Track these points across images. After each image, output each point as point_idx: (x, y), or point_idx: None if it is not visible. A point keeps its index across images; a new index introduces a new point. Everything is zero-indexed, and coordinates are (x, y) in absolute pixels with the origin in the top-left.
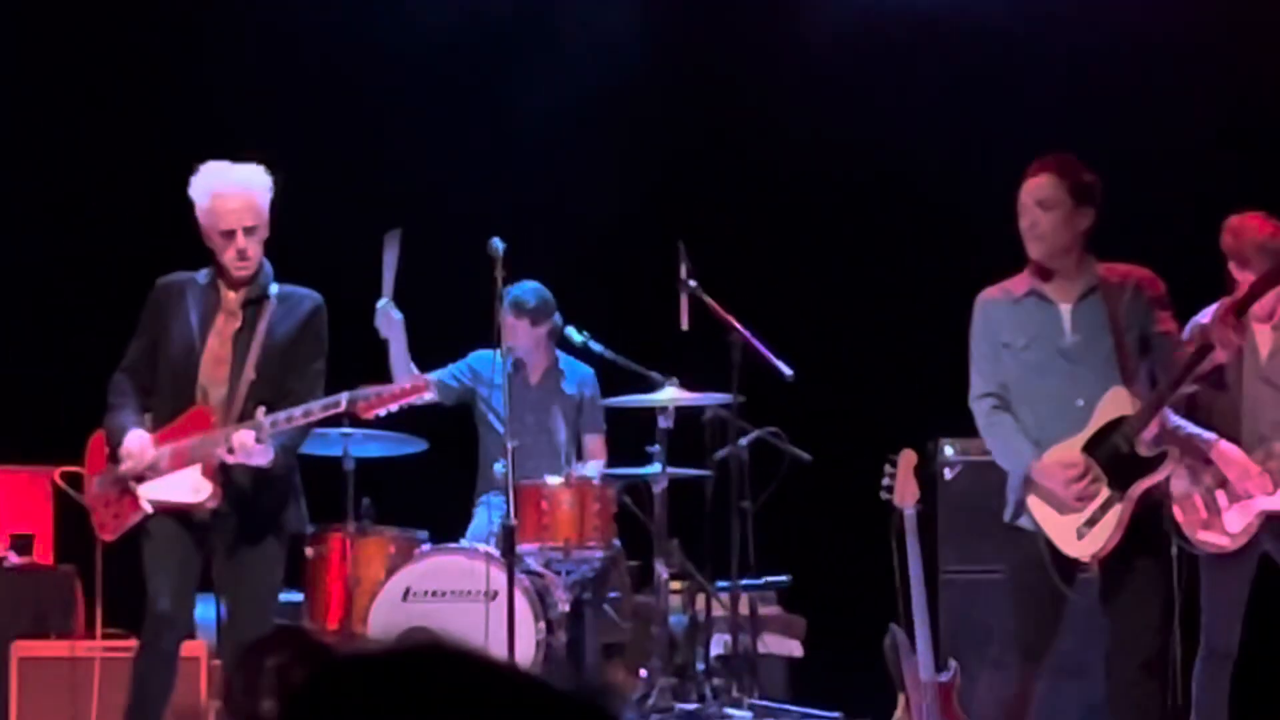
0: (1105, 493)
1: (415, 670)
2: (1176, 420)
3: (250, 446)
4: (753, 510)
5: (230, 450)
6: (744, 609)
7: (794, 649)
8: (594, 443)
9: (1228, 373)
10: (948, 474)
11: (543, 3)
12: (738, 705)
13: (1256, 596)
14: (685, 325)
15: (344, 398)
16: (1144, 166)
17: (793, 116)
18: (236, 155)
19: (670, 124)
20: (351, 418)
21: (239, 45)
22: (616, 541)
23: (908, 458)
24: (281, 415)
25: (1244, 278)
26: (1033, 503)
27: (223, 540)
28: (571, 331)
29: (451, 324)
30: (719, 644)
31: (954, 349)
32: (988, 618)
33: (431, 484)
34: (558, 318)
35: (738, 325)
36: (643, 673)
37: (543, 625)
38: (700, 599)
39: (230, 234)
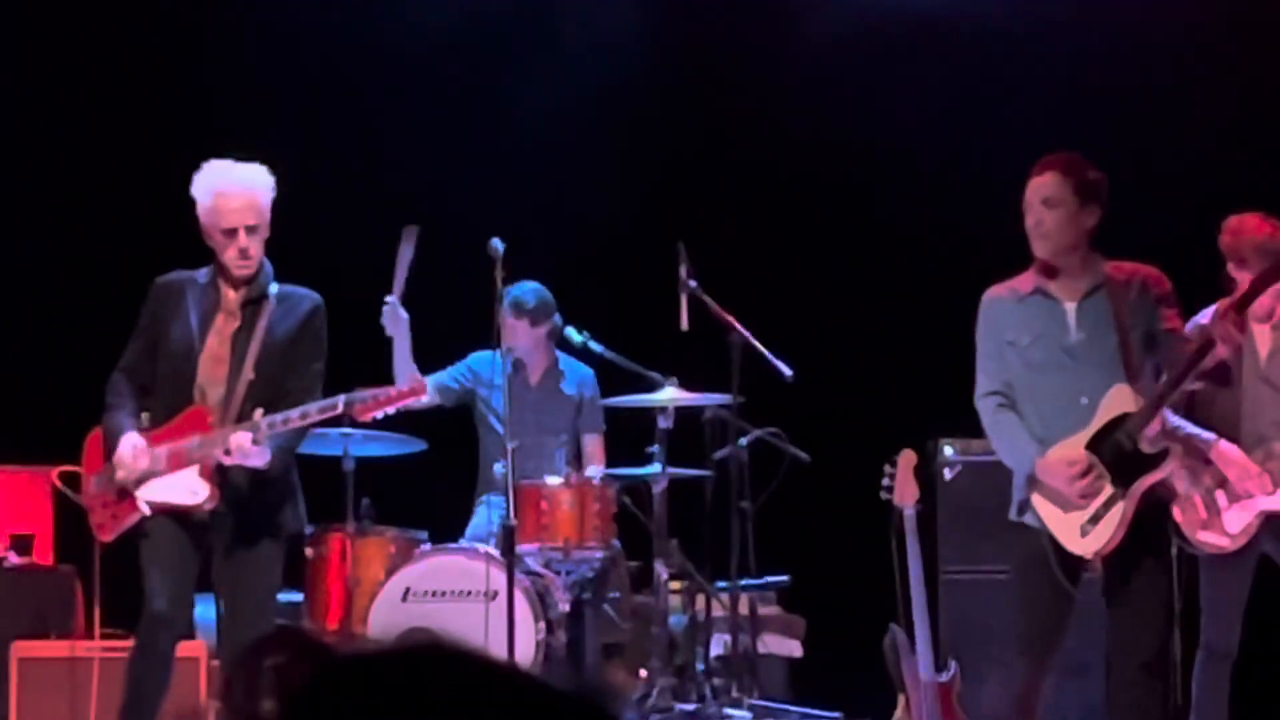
0: (1109, 490)
1: (415, 670)
2: (1176, 420)
3: (247, 448)
4: (752, 510)
5: (227, 452)
6: (744, 609)
7: (794, 649)
8: (593, 443)
9: (1230, 370)
10: (948, 474)
11: (543, 3)
12: (738, 705)
13: (1256, 596)
14: (685, 325)
15: (341, 400)
16: (1144, 166)
17: (793, 117)
18: (236, 155)
19: (670, 124)
20: (350, 419)
21: (239, 45)
22: (616, 542)
23: (908, 458)
24: (279, 417)
25: (1242, 278)
26: (1037, 500)
27: (221, 541)
28: (571, 332)
29: (451, 324)
30: (719, 644)
31: (954, 349)
32: (988, 618)
33: (431, 484)
34: (557, 318)
35: (738, 325)
36: (643, 673)
37: (543, 625)
38: (700, 599)
39: (232, 233)
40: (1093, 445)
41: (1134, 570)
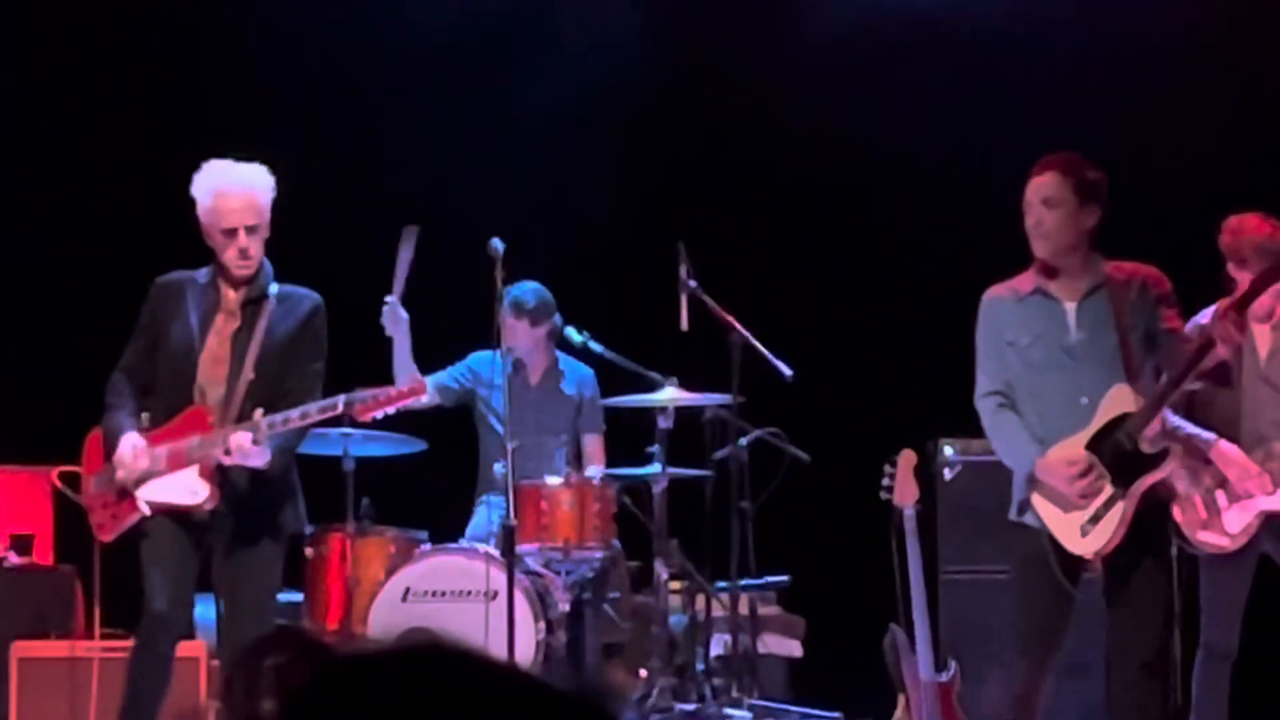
0: (1109, 490)
1: (415, 670)
2: (1176, 420)
3: (247, 448)
4: (752, 510)
5: (227, 452)
6: (744, 609)
7: (794, 649)
8: (593, 443)
9: (1230, 370)
10: (948, 474)
11: (543, 3)
12: (738, 705)
13: (1256, 596)
14: (685, 325)
15: (341, 400)
16: (1144, 166)
17: (793, 117)
18: (236, 155)
19: (670, 124)
20: (350, 419)
21: (239, 45)
22: (616, 542)
23: (908, 458)
24: (279, 417)
25: (1242, 277)
26: (1037, 500)
27: (221, 541)
28: (571, 332)
29: (451, 324)
30: (719, 644)
31: (954, 349)
32: (988, 618)
33: (431, 484)
34: (557, 318)
35: (738, 325)
36: (643, 673)
37: (542, 625)
38: (700, 599)
39: (232, 232)
40: (1093, 445)
41: (1134, 570)
